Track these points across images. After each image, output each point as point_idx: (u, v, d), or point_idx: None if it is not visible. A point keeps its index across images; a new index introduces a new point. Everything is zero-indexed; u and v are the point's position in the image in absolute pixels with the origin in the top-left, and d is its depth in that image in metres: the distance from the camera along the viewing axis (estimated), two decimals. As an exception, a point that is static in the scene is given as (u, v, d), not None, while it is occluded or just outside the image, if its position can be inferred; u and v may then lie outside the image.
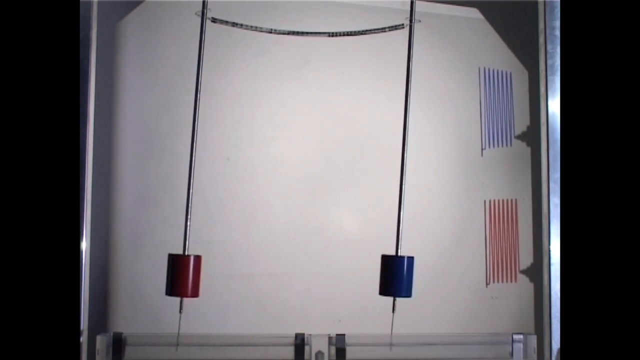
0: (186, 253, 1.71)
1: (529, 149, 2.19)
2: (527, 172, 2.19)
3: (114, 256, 2.08)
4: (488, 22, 2.20)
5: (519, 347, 1.95)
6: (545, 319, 1.95)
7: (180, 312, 1.70)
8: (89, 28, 1.89)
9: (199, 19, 1.78)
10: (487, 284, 2.15)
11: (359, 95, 2.16)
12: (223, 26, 1.84)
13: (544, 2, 1.98)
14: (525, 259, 2.17)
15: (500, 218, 2.18)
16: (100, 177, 2.02)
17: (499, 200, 2.18)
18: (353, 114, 2.16)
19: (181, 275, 1.68)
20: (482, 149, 2.18)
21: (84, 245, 1.88)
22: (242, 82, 2.13)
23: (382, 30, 1.80)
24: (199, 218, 2.04)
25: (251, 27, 1.82)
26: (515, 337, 1.96)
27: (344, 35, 1.85)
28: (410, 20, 1.76)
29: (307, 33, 1.86)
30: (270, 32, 1.84)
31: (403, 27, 1.76)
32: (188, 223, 1.73)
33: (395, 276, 1.67)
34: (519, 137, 2.20)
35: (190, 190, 1.74)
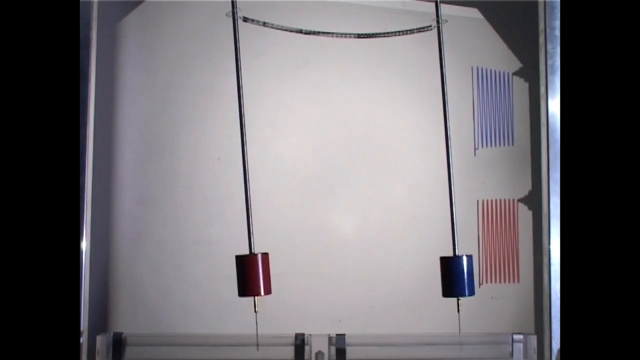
0: (253, 252, 1.68)
1: (528, 149, 2.19)
2: (527, 172, 2.19)
3: (114, 256, 2.08)
4: (488, 22, 2.20)
5: (519, 347, 1.95)
6: (545, 319, 1.95)
7: (255, 311, 1.67)
8: (89, 28, 1.89)
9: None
10: (479, 284, 2.15)
11: (358, 95, 2.16)
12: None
13: (544, 2, 1.98)
14: (525, 259, 2.17)
15: (500, 218, 2.18)
16: (100, 177, 2.02)
17: (499, 200, 2.18)
18: (353, 114, 2.16)
19: (252, 275, 1.66)
20: (474, 149, 2.18)
21: (84, 245, 1.88)
22: (242, 81, 2.13)
23: (410, 32, 1.79)
24: (199, 218, 2.04)
25: (281, 27, 1.80)
26: (515, 337, 1.96)
27: (371, 37, 1.83)
28: (438, 22, 1.75)
29: (336, 34, 1.84)
30: (300, 32, 1.83)
31: (431, 29, 1.75)
32: (250, 221, 1.71)
33: (458, 276, 1.66)
34: (518, 137, 2.20)
35: (248, 192, 1.71)
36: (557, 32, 1.96)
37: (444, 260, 1.69)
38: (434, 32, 2.17)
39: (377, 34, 1.83)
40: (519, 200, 2.19)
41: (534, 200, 2.16)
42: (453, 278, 1.67)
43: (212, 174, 2.10)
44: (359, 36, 1.84)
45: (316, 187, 2.14)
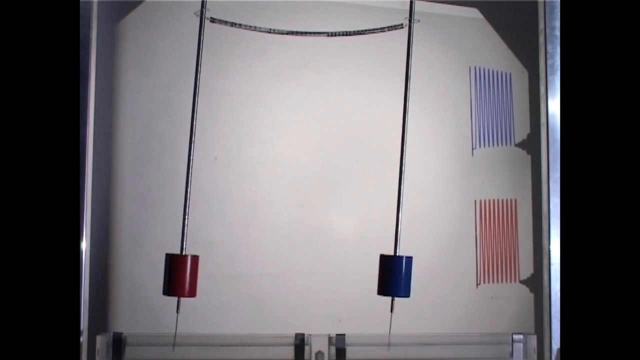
0: (184, 253, 1.71)
1: (528, 149, 2.19)
2: (527, 172, 2.19)
3: (114, 256, 2.08)
4: (488, 22, 2.20)
5: (519, 347, 1.95)
6: (545, 319, 1.95)
7: (177, 312, 1.70)
8: (89, 28, 1.89)
9: (199, 19, 1.78)
10: (477, 285, 2.15)
11: (358, 95, 2.16)
12: (223, 26, 1.83)
13: (544, 2, 1.98)
14: (525, 259, 2.17)
15: (499, 218, 2.18)
16: (100, 177, 2.02)
17: (498, 200, 2.18)
18: (353, 114, 2.16)
19: (178, 275, 1.68)
20: (472, 149, 2.18)
21: (84, 245, 1.88)
22: (242, 82, 2.14)
23: (381, 30, 1.80)
24: (199, 218, 2.04)
25: (250, 27, 1.82)
26: (515, 337, 1.96)
27: (343, 35, 1.85)
28: (410, 20, 1.75)
29: (306, 33, 1.86)
30: (270, 32, 1.84)
31: (402, 27, 1.76)
32: (186, 223, 1.73)
33: (393, 276, 1.66)
34: (518, 137, 2.20)
35: (188, 190, 1.74)
36: (557, 32, 1.96)
37: (384, 259, 1.69)
38: (434, 32, 2.18)
39: (348, 32, 1.84)
40: (518, 201, 2.19)
41: (534, 200, 2.16)
42: (390, 277, 1.66)
43: (213, 174, 2.10)
44: (331, 35, 1.85)
45: (316, 187, 2.14)
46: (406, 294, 1.67)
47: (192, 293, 1.69)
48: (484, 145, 2.19)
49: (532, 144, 2.17)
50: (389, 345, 1.82)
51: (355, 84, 2.16)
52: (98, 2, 1.94)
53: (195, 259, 1.70)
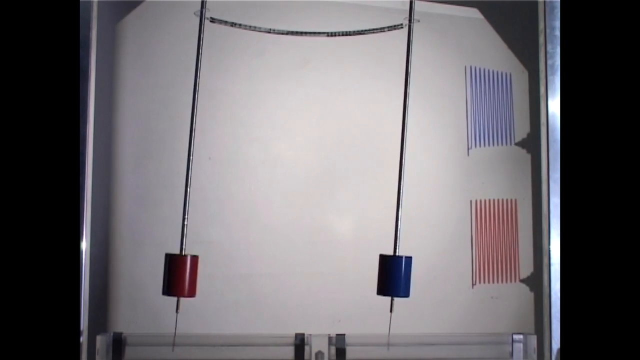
0: (183, 253, 1.71)
1: (528, 149, 2.19)
2: (527, 172, 2.19)
3: (114, 256, 2.08)
4: (488, 22, 2.20)
5: (519, 347, 1.95)
6: (545, 319, 1.95)
7: (177, 311, 1.70)
8: (89, 28, 1.89)
9: (198, 19, 1.78)
10: (472, 285, 2.15)
11: (358, 95, 2.16)
12: (223, 26, 1.83)
13: (544, 2, 1.98)
14: (525, 259, 2.17)
15: (499, 218, 2.18)
16: (100, 177, 2.02)
17: (498, 200, 2.18)
18: (353, 114, 2.16)
19: (178, 275, 1.68)
20: (468, 148, 2.18)
21: (84, 245, 1.88)
22: (242, 82, 2.14)
23: (381, 30, 1.80)
24: (199, 218, 2.04)
25: (250, 27, 1.82)
26: (515, 337, 1.96)
27: (342, 35, 1.85)
28: (410, 20, 1.75)
29: (306, 33, 1.86)
30: (269, 32, 1.84)
31: (402, 27, 1.76)
32: (185, 223, 1.73)
33: (393, 276, 1.67)
34: (518, 137, 2.20)
35: (188, 190, 1.74)
36: (557, 32, 1.96)
37: (383, 259, 1.69)
38: (432, 32, 2.18)
39: (348, 32, 1.84)
40: (518, 200, 2.19)
41: (534, 200, 2.16)
42: (390, 277, 1.67)
43: (213, 174, 2.10)
44: (330, 35, 1.85)
45: (316, 187, 2.14)
46: (405, 294, 1.67)
47: (192, 293, 1.70)
48: (483, 145, 2.19)
49: (532, 144, 2.17)
50: (388, 345, 1.82)
51: (355, 83, 2.16)
52: (98, 2, 1.94)
53: (194, 259, 1.70)
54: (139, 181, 2.10)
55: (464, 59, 2.20)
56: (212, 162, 2.10)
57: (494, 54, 2.21)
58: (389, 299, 1.68)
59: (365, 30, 1.83)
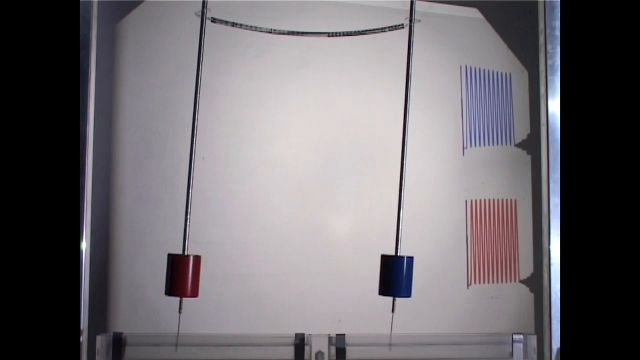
0: (186, 253, 1.71)
1: (528, 149, 2.19)
2: (527, 172, 2.19)
3: (114, 256, 2.08)
4: (488, 22, 2.20)
5: (519, 347, 1.95)
6: (545, 319, 1.95)
7: (179, 312, 1.70)
8: (89, 28, 1.89)
9: (199, 19, 1.78)
10: (468, 285, 2.15)
11: (358, 95, 2.16)
12: (223, 26, 1.83)
13: (544, 2, 1.98)
14: (525, 259, 2.17)
15: (499, 218, 2.18)
16: (100, 177, 2.02)
17: (498, 200, 2.18)
18: (353, 114, 2.16)
19: (180, 275, 1.68)
20: (463, 148, 2.18)
21: (84, 245, 1.88)
22: (242, 82, 2.13)
23: (382, 30, 1.80)
24: (199, 218, 2.04)
25: (251, 27, 1.82)
26: (515, 337, 1.96)
27: (343, 35, 1.85)
28: (410, 20, 1.75)
29: (307, 33, 1.86)
30: (270, 32, 1.84)
31: (403, 27, 1.76)
32: (187, 223, 1.74)
33: (394, 276, 1.67)
34: (518, 137, 2.20)
35: (190, 190, 1.74)
36: (557, 32, 1.96)
37: (385, 259, 1.69)
38: (432, 32, 2.18)
39: (349, 32, 1.84)
40: (518, 200, 2.19)
41: (534, 200, 2.16)
42: (392, 277, 1.67)
43: (213, 173, 2.10)
44: (331, 35, 1.85)
45: (316, 187, 2.14)
46: (407, 294, 1.67)
47: (195, 293, 1.70)
48: (482, 145, 2.19)
49: (532, 144, 2.17)
50: (390, 345, 1.82)
51: (355, 83, 2.16)
52: (98, 2, 1.94)
53: (197, 259, 1.71)
54: (139, 181, 2.10)
55: (463, 59, 2.20)
56: (212, 162, 2.10)
57: (493, 54, 2.21)
58: (389, 298, 1.68)
59: (366, 30, 1.83)
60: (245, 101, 2.14)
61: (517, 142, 2.20)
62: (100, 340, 1.89)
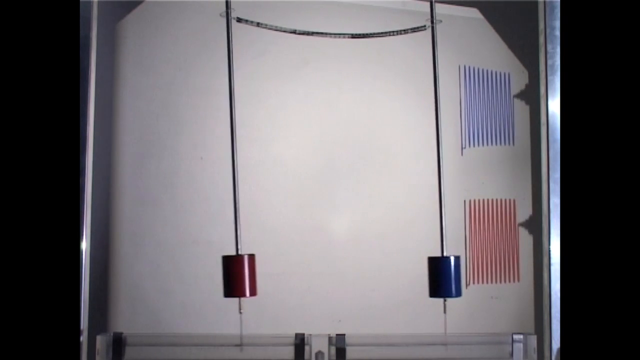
0: (239, 253, 1.71)
1: (528, 149, 2.19)
2: (526, 172, 2.19)
3: (114, 256, 2.08)
4: (488, 22, 2.20)
5: (519, 347, 1.95)
6: (545, 318, 1.95)
7: (240, 312, 1.70)
8: (89, 28, 1.89)
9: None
10: (467, 285, 2.15)
11: (358, 95, 2.16)
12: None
13: (544, 2, 1.98)
14: (526, 259, 2.17)
15: (499, 218, 2.18)
16: (100, 177, 2.02)
17: (498, 200, 2.18)
18: (353, 114, 2.16)
19: (237, 276, 1.68)
20: (462, 148, 2.18)
21: (84, 245, 1.88)
22: (242, 82, 2.13)
23: (404, 32, 1.79)
24: (200, 218, 2.04)
25: (275, 27, 1.81)
26: (515, 337, 1.96)
27: (365, 37, 1.84)
28: (432, 22, 1.76)
29: (330, 34, 1.85)
30: (294, 33, 1.84)
31: (425, 29, 1.76)
32: (238, 222, 1.73)
33: (444, 277, 1.67)
34: (518, 137, 2.20)
35: (236, 191, 1.74)
36: (557, 32, 1.96)
37: (432, 261, 1.69)
38: (439, 33, 2.18)
39: (371, 34, 1.84)
40: (518, 200, 2.19)
41: (534, 200, 2.16)
42: (440, 278, 1.68)
43: (212, 173, 2.10)
44: (354, 36, 1.85)
45: (316, 187, 2.14)
46: (458, 293, 1.68)
47: (253, 292, 1.69)
48: (482, 145, 2.19)
49: (532, 144, 2.17)
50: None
51: (355, 83, 2.16)
52: (98, 2, 1.94)
53: (251, 257, 1.70)
54: (139, 181, 2.10)
55: (462, 59, 2.20)
56: (212, 162, 2.10)
57: (493, 54, 2.21)
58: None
59: (388, 32, 1.82)
60: (245, 101, 2.13)
61: (516, 142, 2.20)
62: (100, 340, 1.89)
